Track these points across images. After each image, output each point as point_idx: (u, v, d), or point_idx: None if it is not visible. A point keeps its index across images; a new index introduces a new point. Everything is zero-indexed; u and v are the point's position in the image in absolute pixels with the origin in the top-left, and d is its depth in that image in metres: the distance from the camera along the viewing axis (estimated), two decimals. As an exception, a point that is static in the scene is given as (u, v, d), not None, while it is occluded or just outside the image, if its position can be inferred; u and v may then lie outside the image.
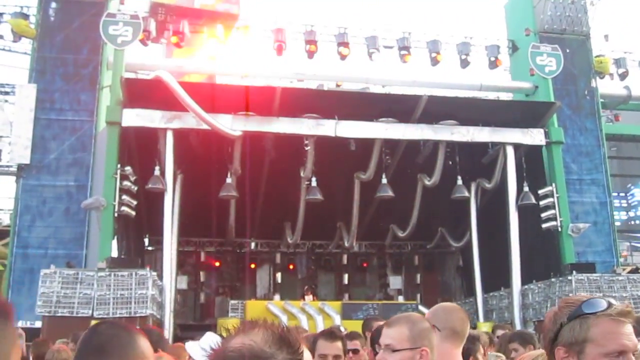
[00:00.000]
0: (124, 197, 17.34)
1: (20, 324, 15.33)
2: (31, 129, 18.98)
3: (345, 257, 26.16)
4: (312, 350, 4.07)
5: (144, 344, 2.13)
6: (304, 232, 22.00)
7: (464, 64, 23.11)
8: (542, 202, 19.77)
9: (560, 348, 1.85)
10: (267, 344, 1.39)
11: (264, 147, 18.92)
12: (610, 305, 1.84)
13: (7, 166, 20.91)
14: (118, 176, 17.29)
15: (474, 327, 14.36)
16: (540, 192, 19.83)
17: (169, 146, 17.81)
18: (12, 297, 17.77)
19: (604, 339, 1.79)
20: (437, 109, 19.10)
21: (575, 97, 23.35)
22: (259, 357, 1.37)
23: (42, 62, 19.87)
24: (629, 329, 1.82)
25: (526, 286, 18.88)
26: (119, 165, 17.46)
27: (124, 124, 17.67)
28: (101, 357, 2.06)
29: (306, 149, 18.58)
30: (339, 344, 4.05)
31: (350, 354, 4.78)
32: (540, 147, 20.37)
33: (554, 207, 19.60)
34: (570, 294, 16.82)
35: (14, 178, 20.16)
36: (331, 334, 4.19)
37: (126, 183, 17.44)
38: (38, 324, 14.95)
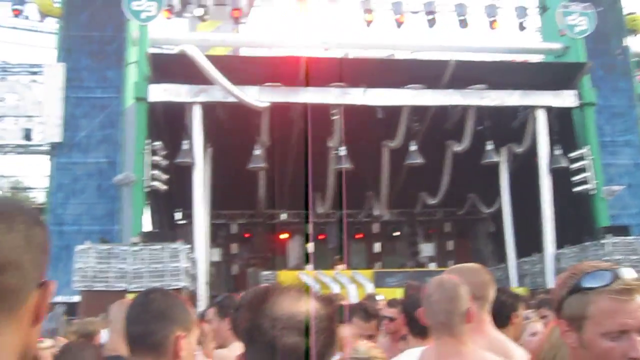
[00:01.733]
0: (154, 171, 17.42)
1: (59, 298, 15.70)
2: (61, 108, 19.20)
3: (375, 225, 26.16)
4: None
5: (193, 313, 2.27)
6: (334, 202, 22.01)
7: (492, 26, 22.68)
8: (574, 165, 19.38)
9: (563, 321, 1.77)
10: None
11: (291, 117, 18.86)
12: (615, 278, 1.69)
13: (38, 145, 21.20)
14: (148, 151, 17.38)
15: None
16: (572, 155, 19.43)
17: (196, 120, 17.79)
18: (50, 273, 17.97)
19: (602, 318, 1.66)
20: (466, 74, 18.77)
21: (607, 57, 22.73)
22: None
23: (68, 41, 19.99)
24: (634, 304, 1.66)
25: (559, 251, 18.63)
26: (148, 141, 17.56)
27: (151, 99, 17.66)
28: (165, 322, 2.14)
29: (333, 118, 18.48)
30: (373, 323, 3.99)
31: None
32: (571, 109, 19.90)
33: (586, 170, 19.22)
34: (605, 258, 16.62)
35: (45, 157, 20.47)
36: (366, 312, 4.09)
37: (156, 158, 17.51)
38: (76, 299, 15.28)
